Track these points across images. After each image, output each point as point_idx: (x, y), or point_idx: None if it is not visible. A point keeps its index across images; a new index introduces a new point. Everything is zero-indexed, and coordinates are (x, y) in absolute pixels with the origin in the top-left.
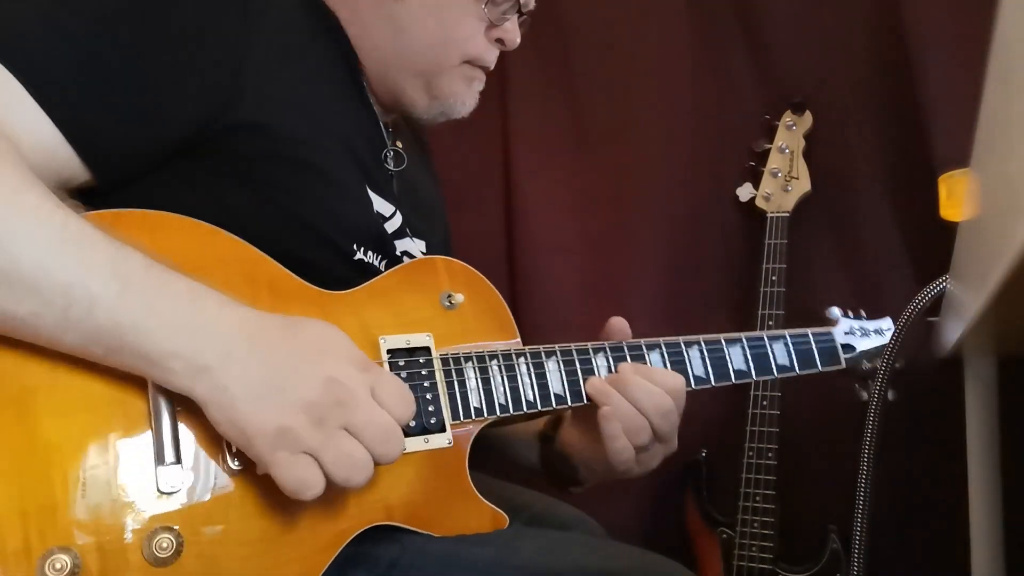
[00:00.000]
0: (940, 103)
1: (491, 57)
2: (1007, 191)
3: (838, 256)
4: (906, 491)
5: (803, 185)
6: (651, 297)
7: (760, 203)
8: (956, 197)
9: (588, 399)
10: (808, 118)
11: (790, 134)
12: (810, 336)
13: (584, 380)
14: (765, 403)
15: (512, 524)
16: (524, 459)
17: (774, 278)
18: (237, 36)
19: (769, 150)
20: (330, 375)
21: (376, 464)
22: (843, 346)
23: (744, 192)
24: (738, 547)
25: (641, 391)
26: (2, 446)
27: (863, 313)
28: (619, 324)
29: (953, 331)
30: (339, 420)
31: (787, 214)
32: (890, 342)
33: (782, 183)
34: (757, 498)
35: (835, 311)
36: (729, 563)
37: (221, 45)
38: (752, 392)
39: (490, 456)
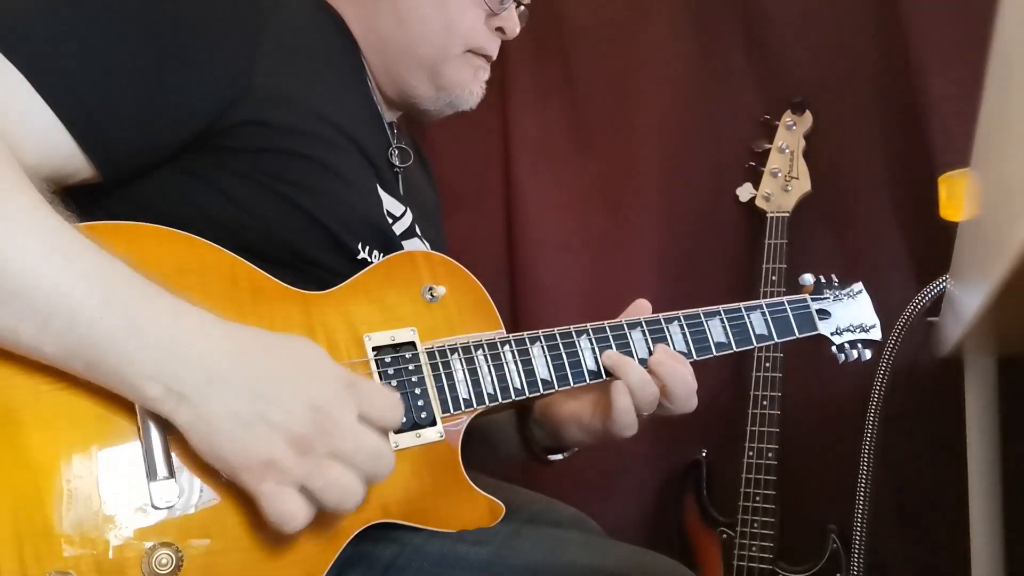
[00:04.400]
0: (940, 103)
1: (493, 46)
2: (1007, 191)
3: (838, 256)
4: (906, 491)
5: (803, 185)
6: (651, 297)
7: (760, 203)
8: (956, 197)
9: (606, 372)
10: (808, 118)
11: (790, 134)
12: (785, 304)
13: (587, 356)
14: (765, 403)
15: (510, 523)
16: (502, 435)
17: (774, 278)
18: (248, 32)
19: (769, 150)
20: (314, 403)
21: (370, 483)
22: (818, 311)
23: (744, 192)
24: (738, 547)
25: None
26: None
27: (835, 279)
28: (642, 305)
29: (953, 331)
30: (325, 448)
31: (787, 214)
32: (889, 339)
33: (782, 183)
34: (757, 498)
35: (807, 277)
36: (729, 563)
37: (233, 41)
38: (752, 392)
39: (468, 442)
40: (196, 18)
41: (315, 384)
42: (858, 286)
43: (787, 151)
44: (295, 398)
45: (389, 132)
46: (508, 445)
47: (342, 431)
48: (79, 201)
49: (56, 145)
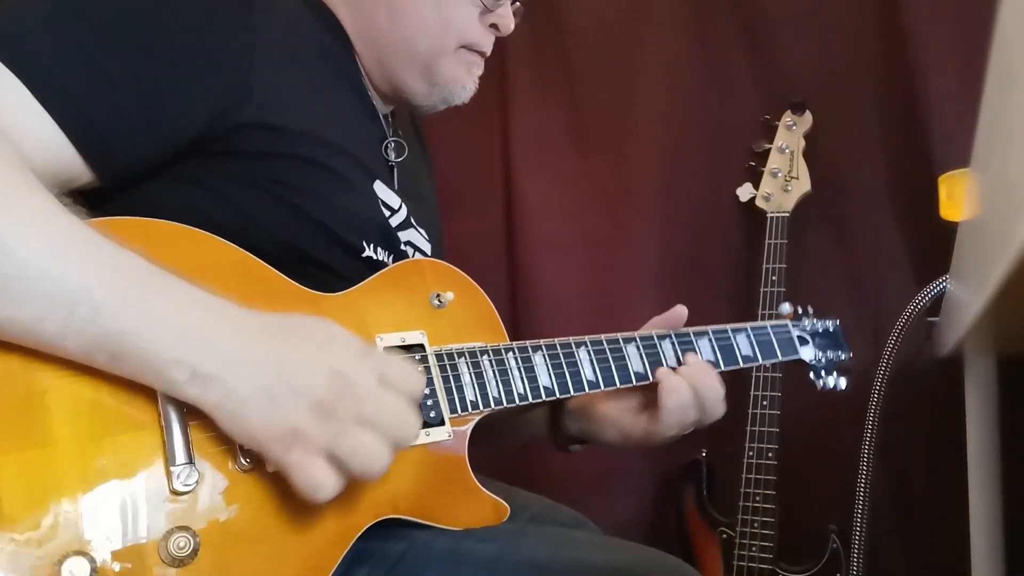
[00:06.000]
0: (940, 103)
1: (487, 43)
2: (1007, 191)
3: (838, 256)
4: (906, 491)
5: (803, 185)
6: (651, 297)
7: (760, 203)
8: (956, 197)
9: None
10: (808, 118)
11: (790, 134)
12: (769, 328)
13: (618, 371)
14: (765, 403)
15: (514, 522)
16: (525, 420)
17: (774, 278)
18: (244, 36)
19: (769, 150)
20: (334, 367)
21: (396, 448)
22: (798, 338)
23: (744, 192)
24: (738, 547)
25: (708, 387)
26: (12, 451)
27: (810, 310)
28: (678, 312)
29: (953, 331)
30: (349, 412)
31: (787, 214)
32: (889, 339)
33: (782, 183)
34: (757, 498)
35: (786, 307)
36: (729, 563)
37: (228, 45)
38: (752, 392)
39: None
40: (192, 23)
41: (335, 352)
42: (833, 321)
43: (787, 151)
44: (316, 366)
45: (385, 124)
46: (531, 428)
47: (364, 394)
48: (81, 205)
49: (57, 151)
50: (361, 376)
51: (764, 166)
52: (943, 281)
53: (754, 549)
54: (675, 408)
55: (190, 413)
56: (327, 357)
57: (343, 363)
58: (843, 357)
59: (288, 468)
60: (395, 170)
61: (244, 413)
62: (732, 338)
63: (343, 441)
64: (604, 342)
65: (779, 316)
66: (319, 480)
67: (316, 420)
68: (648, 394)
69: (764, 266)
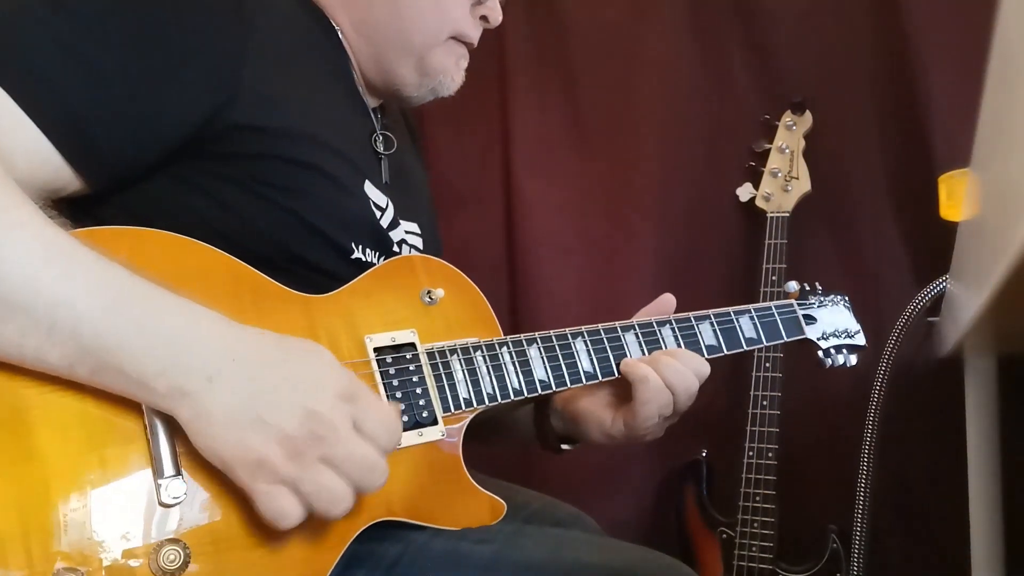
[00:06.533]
0: (940, 103)
1: (476, 34)
2: (1007, 191)
3: (838, 256)
4: (906, 491)
5: (803, 185)
6: (651, 297)
7: (760, 203)
8: (956, 197)
9: (621, 375)
10: (808, 118)
11: (790, 134)
12: (773, 308)
13: (616, 361)
14: (765, 403)
15: (512, 522)
16: (515, 420)
17: (774, 278)
18: (236, 36)
19: (769, 150)
20: (311, 407)
21: (360, 493)
22: (804, 316)
23: (744, 192)
24: (738, 547)
25: (672, 371)
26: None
27: (819, 287)
28: (667, 300)
29: (953, 331)
30: (316, 453)
31: (787, 214)
32: (889, 339)
33: (782, 183)
34: (757, 498)
35: (792, 284)
36: (729, 563)
37: (221, 45)
38: (752, 392)
39: (479, 430)
40: (185, 23)
41: (315, 390)
42: (842, 297)
43: (787, 151)
44: (292, 402)
45: (374, 118)
46: (521, 431)
47: (335, 438)
48: (71, 210)
49: (44, 159)
50: (336, 419)
51: (764, 166)
52: (943, 281)
53: (754, 549)
54: (646, 401)
55: (176, 424)
56: (306, 394)
57: (321, 403)
58: (853, 333)
59: (253, 494)
60: (384, 163)
61: (212, 434)
62: (735, 321)
63: (308, 481)
64: (602, 332)
65: (785, 295)
66: (283, 510)
67: (283, 455)
68: (622, 388)
69: (764, 266)
